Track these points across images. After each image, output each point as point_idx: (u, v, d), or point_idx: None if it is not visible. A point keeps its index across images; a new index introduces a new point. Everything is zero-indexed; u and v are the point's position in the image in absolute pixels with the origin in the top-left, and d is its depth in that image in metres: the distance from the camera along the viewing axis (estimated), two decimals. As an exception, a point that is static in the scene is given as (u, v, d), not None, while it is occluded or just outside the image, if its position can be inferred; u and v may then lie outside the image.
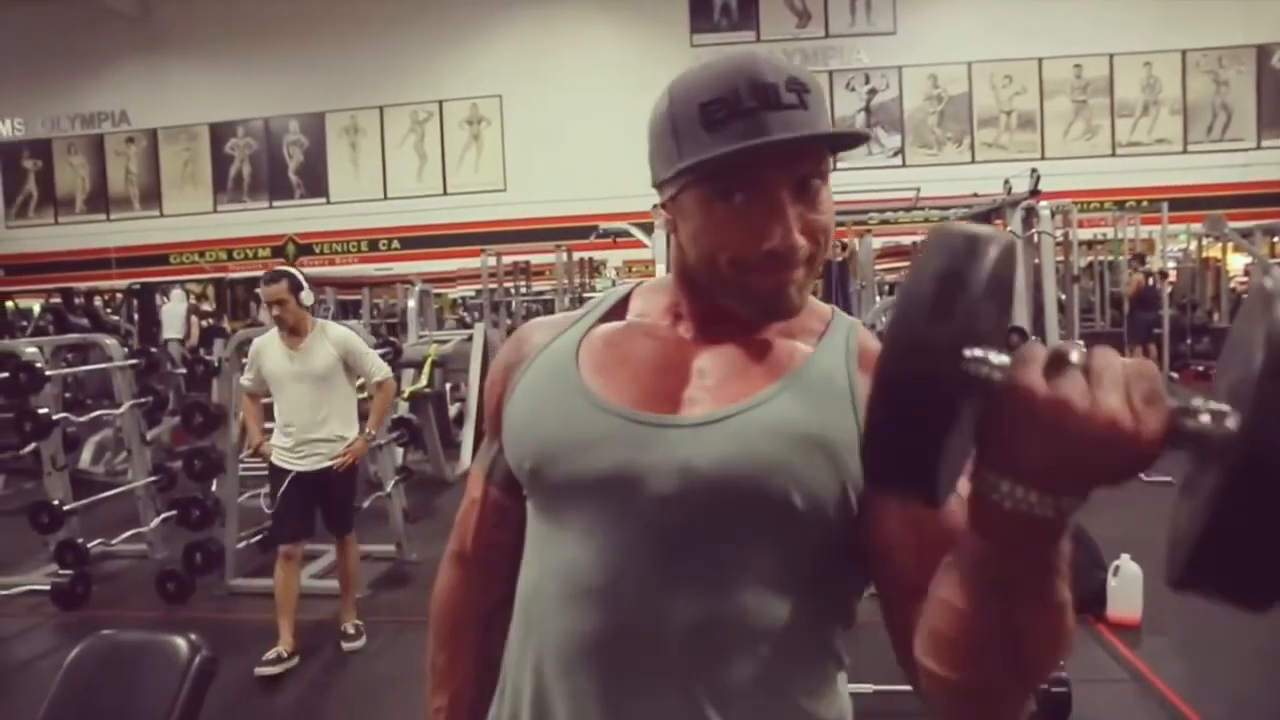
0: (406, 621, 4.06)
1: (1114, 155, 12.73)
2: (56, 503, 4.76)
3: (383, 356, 5.81)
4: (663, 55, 13.12)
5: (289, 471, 3.74)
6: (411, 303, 9.20)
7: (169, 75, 13.71)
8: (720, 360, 0.84)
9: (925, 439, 0.52)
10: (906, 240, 11.28)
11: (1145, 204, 11.44)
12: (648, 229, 8.09)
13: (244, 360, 4.00)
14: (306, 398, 3.72)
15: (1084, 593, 3.61)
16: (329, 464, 3.74)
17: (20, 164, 14.30)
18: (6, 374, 4.82)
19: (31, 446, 4.99)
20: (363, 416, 3.98)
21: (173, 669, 1.45)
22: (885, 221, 7.31)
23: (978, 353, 0.52)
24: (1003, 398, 0.51)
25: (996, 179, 6.71)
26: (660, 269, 6.16)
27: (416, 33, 13.13)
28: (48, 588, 4.64)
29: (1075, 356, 0.51)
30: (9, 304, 12.33)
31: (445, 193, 13.46)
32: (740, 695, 0.77)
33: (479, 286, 10.78)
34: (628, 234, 9.25)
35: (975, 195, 7.43)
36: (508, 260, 10.60)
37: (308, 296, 3.74)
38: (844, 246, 8.44)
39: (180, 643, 1.49)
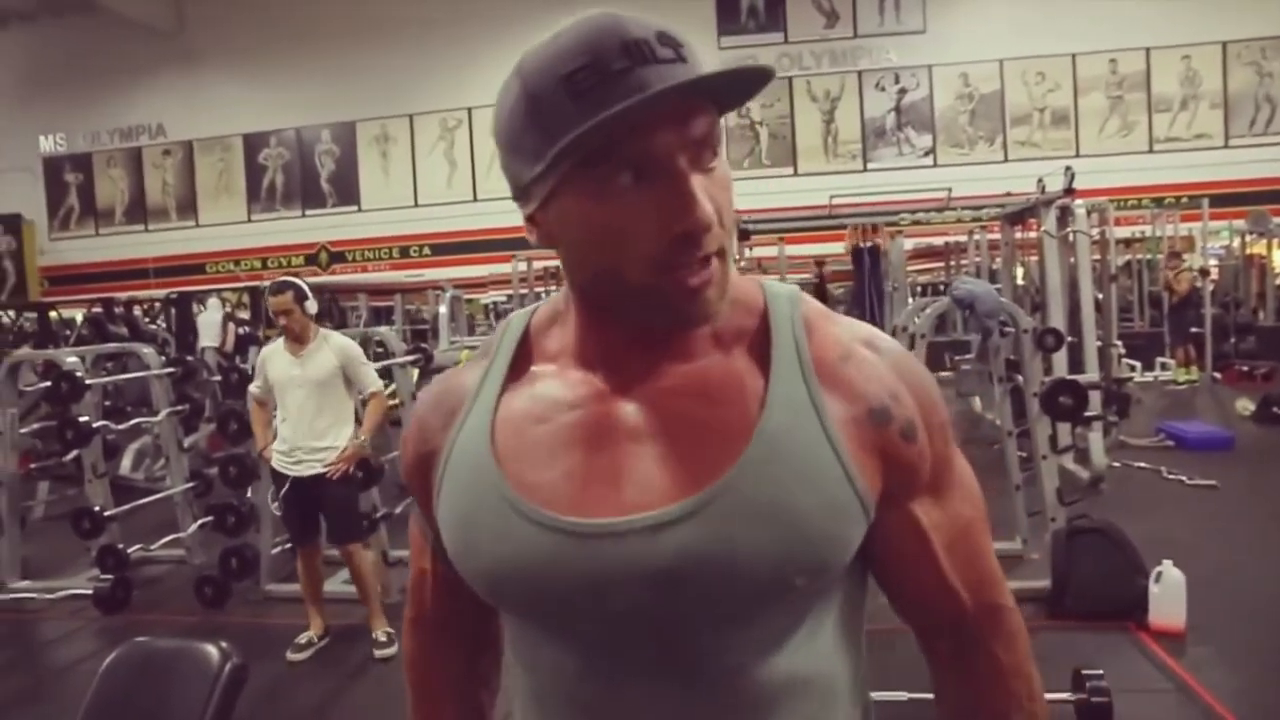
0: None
1: (1151, 152, 12.50)
2: (98, 509, 4.85)
3: (413, 363, 5.86)
4: (691, 58, 13.13)
5: (287, 477, 3.82)
6: (443, 309, 9.27)
7: (203, 88, 13.95)
8: (657, 417, 0.70)
9: None
10: (939, 241, 11.19)
11: (1185, 200, 11.23)
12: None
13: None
14: (306, 404, 3.79)
15: (1125, 599, 3.53)
16: (323, 470, 3.79)
17: (62, 178, 14.61)
18: (49, 383, 4.91)
19: (73, 454, 5.09)
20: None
21: (204, 676, 1.46)
22: (917, 222, 7.22)
23: None
24: None
25: (1030, 178, 6.60)
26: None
27: (445, 41, 13.24)
28: (90, 592, 4.71)
29: None
30: (53, 314, 12.58)
31: (475, 199, 13.54)
32: None
33: (510, 292, 10.84)
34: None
35: (1008, 194, 7.33)
36: (539, 265, 10.63)
37: (312, 306, 3.85)
38: (876, 247, 8.37)
39: (212, 650, 1.50)
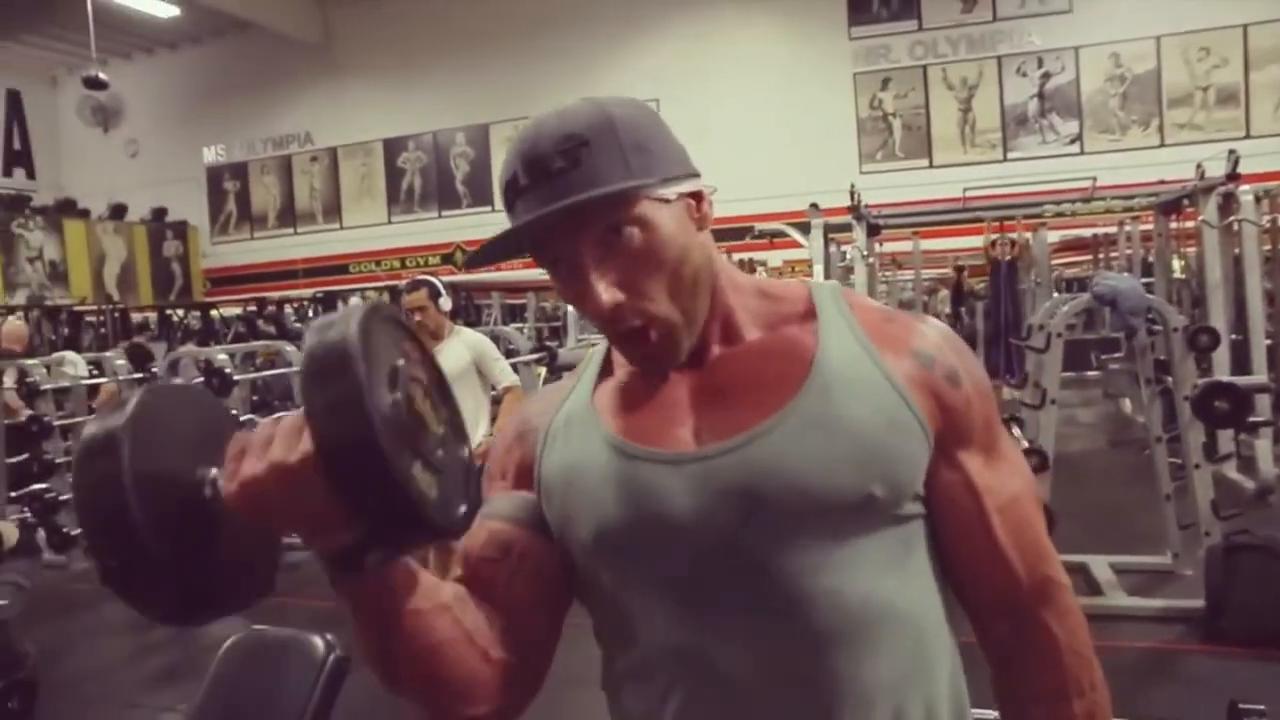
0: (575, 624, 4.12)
1: (1335, 130, 11.38)
2: (243, 497, 5.15)
3: (539, 361, 5.95)
4: (820, 49, 12.86)
5: None
6: (571, 306, 9.39)
7: (347, 97, 14.67)
8: (723, 378, 0.80)
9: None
10: (1087, 233, 10.54)
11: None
12: (804, 229, 7.91)
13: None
14: None
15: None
16: None
17: (222, 185, 15.68)
18: (201, 378, 5.25)
19: (223, 445, 5.41)
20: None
21: (310, 665, 1.52)
22: (1060, 214, 6.81)
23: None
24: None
25: (1189, 163, 6.12)
26: (819, 270, 6.00)
27: (574, 41, 13.44)
28: (236, 576, 5.01)
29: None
30: (214, 313, 13.51)
31: (606, 196, 13.70)
32: (885, 691, 0.74)
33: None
34: (784, 234, 9.09)
35: (1161, 182, 6.82)
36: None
37: (446, 303, 3.95)
38: (1013, 243, 7.96)
39: (318, 642, 1.56)
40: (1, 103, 15.39)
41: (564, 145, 0.72)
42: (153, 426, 0.66)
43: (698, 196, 0.80)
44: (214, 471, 0.68)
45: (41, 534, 5.47)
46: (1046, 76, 12.18)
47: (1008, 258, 7.47)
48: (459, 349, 3.92)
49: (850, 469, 0.72)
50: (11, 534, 3.68)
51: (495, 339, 5.99)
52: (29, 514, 5.40)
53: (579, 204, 0.71)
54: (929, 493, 0.78)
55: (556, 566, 0.82)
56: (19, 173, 15.84)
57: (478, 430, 3.96)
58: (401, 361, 0.67)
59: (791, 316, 0.81)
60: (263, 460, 0.63)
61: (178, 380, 5.75)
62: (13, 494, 5.69)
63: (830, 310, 0.81)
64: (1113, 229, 10.16)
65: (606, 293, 0.73)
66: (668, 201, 0.76)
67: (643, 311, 0.75)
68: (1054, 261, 9.93)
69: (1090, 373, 8.97)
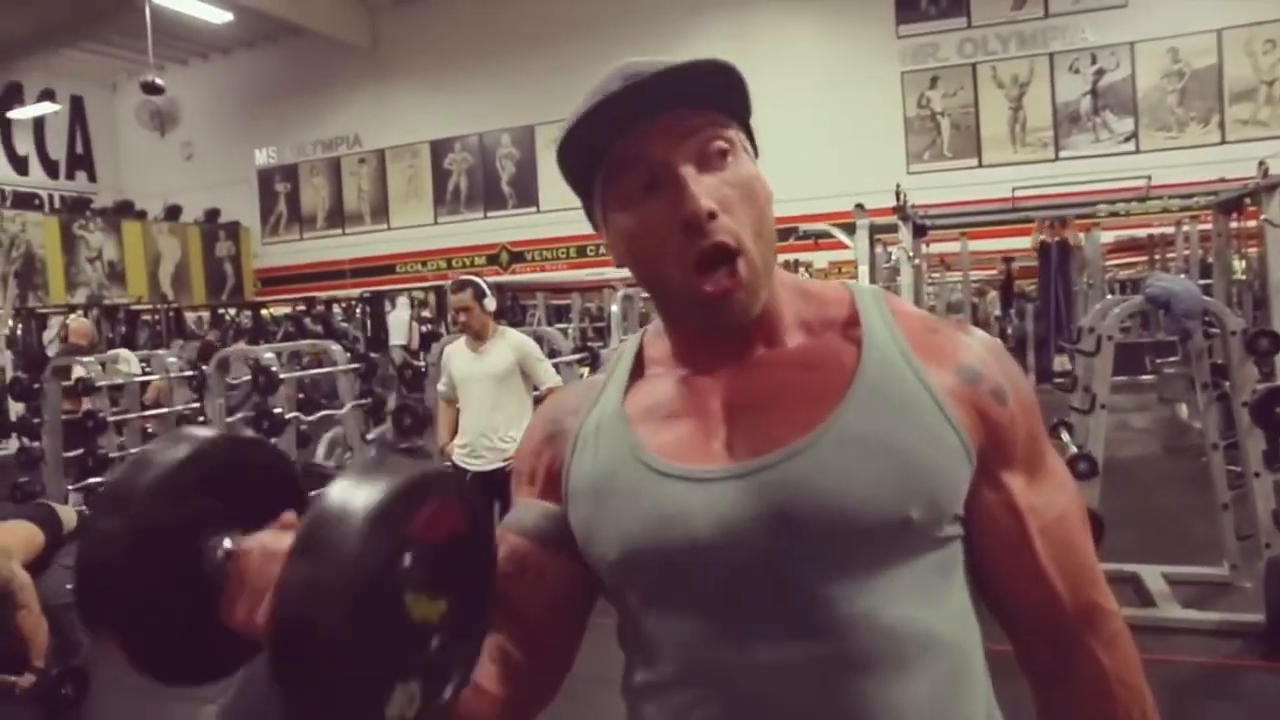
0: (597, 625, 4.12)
1: None
2: (288, 494, 5.22)
3: (580, 362, 5.95)
4: (867, 48, 12.72)
5: (467, 472, 3.94)
6: (614, 308, 9.38)
7: (395, 99, 14.86)
8: (760, 387, 0.76)
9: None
10: (1142, 233, 10.27)
11: None
12: (849, 230, 7.82)
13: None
14: (484, 398, 3.90)
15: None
16: (501, 465, 3.88)
17: (273, 187, 15.98)
18: (248, 377, 5.34)
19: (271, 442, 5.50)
20: None
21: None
22: (1114, 214, 6.63)
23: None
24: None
25: (1250, 160, 5.91)
26: (864, 271, 5.91)
27: (617, 42, 13.43)
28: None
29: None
30: (265, 312, 13.78)
31: (650, 199, 13.69)
32: (921, 714, 0.70)
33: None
34: (829, 235, 9.00)
35: (1221, 180, 6.61)
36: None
37: (490, 303, 3.95)
38: (1065, 242, 7.79)
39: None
40: (66, 108, 15.86)
41: (682, 64, 0.70)
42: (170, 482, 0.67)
43: None
44: (226, 544, 0.68)
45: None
46: (1100, 73, 11.89)
47: (1056, 239, 7.28)
48: (503, 350, 3.93)
49: (890, 490, 0.69)
50: (70, 517, 3.77)
51: (538, 340, 6.01)
52: (85, 507, 5.55)
53: (691, 74, 0.69)
54: (969, 512, 0.74)
55: (576, 583, 0.80)
56: (81, 175, 16.32)
57: (521, 430, 3.97)
58: (407, 559, 0.62)
59: (834, 322, 0.78)
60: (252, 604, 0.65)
61: (229, 379, 5.85)
62: (71, 486, 5.85)
63: (874, 318, 0.77)
64: (1170, 229, 9.90)
65: (706, 197, 0.70)
66: (754, 159, 0.76)
67: (736, 234, 0.71)
68: (1108, 263, 9.69)
69: (1145, 377, 8.72)
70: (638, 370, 0.84)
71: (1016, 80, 12.17)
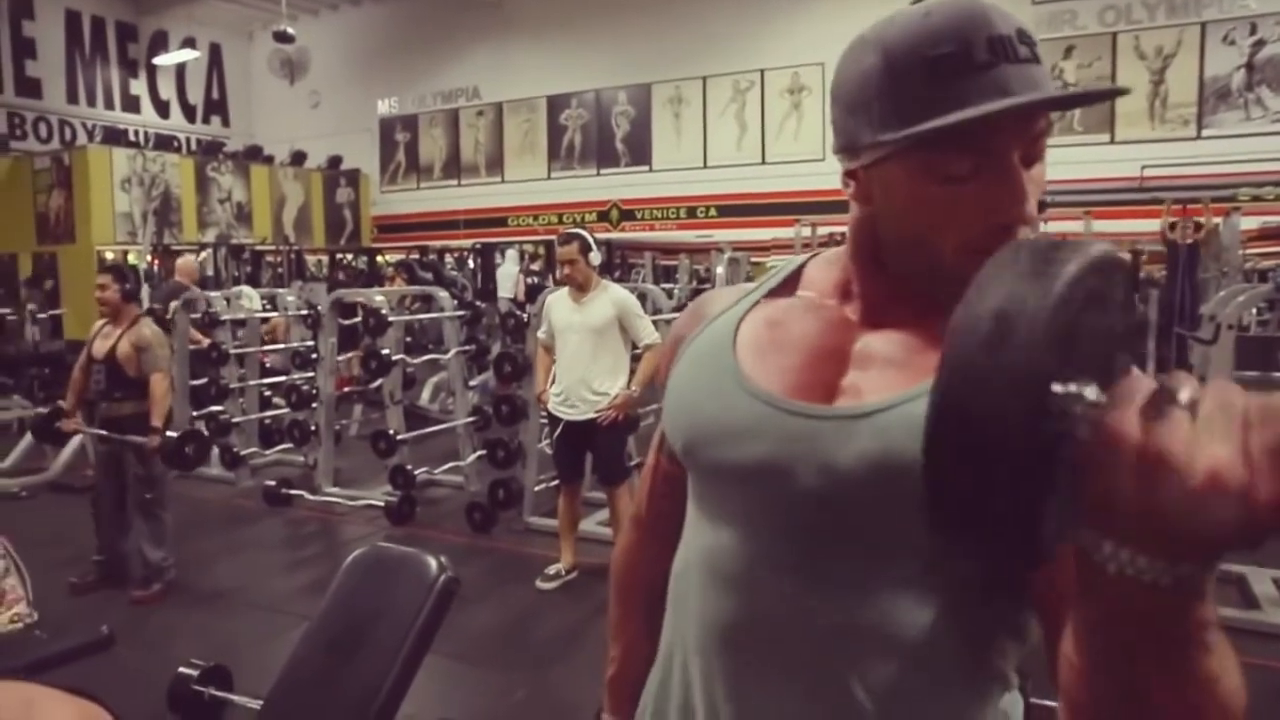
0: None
1: None
2: (393, 433, 5.45)
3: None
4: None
5: (560, 420, 4.06)
6: (720, 269, 9.34)
7: (514, 54, 15.01)
8: (883, 347, 0.77)
9: (1002, 490, 0.45)
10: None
11: None
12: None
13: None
14: (581, 349, 3.98)
15: None
16: (593, 416, 3.97)
17: (393, 137, 16.43)
18: (359, 319, 5.56)
19: (378, 382, 5.75)
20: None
21: (423, 583, 1.61)
22: (1258, 198, 6.21)
23: (1069, 388, 0.45)
24: (1092, 444, 0.43)
25: None
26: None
27: (739, 5, 13.21)
28: (382, 504, 5.34)
29: (1185, 394, 0.42)
30: (380, 259, 14.25)
31: (764, 161, 13.48)
32: (872, 705, 0.71)
33: (791, 257, 10.66)
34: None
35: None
36: (823, 231, 10.40)
37: (596, 257, 4.01)
38: (1197, 226, 7.33)
39: (432, 562, 1.65)
40: (205, 55, 16.63)
41: (1024, 38, 0.69)
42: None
43: None
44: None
45: (215, 451, 5.97)
46: (1260, 44, 11.00)
47: (1189, 240, 6.88)
48: (604, 303, 4.00)
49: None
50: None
51: (641, 297, 6.04)
52: (206, 432, 5.92)
53: (1079, 100, 0.71)
54: None
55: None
56: (216, 120, 17.13)
57: (616, 384, 4.04)
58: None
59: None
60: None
61: (341, 321, 6.11)
62: (195, 413, 6.24)
63: None
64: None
65: (1030, 202, 0.69)
66: None
67: (1026, 234, 0.70)
68: (1247, 251, 9.07)
69: (1276, 373, 8.20)
70: (787, 288, 0.86)
71: (1160, 52, 11.41)
